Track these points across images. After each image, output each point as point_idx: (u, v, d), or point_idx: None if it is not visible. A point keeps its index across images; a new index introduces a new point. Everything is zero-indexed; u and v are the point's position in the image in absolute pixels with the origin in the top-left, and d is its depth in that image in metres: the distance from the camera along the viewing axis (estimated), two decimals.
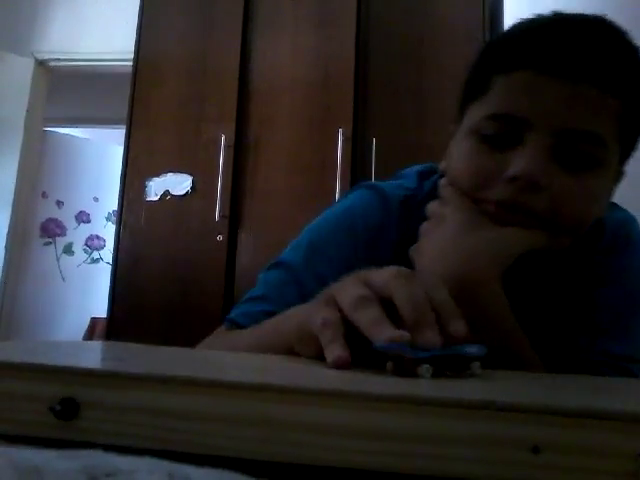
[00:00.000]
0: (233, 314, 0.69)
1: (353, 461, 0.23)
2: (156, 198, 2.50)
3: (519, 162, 0.54)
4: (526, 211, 0.56)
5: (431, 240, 0.59)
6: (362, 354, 0.36)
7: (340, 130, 2.35)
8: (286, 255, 0.71)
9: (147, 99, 2.59)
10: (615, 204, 0.72)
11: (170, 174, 2.51)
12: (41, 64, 3.80)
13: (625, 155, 0.60)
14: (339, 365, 0.35)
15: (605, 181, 0.59)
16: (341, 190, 2.30)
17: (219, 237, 2.41)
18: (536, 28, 0.57)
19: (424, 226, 0.62)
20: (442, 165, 0.66)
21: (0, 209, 3.68)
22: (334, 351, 0.36)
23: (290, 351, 0.45)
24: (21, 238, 3.98)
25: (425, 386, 0.30)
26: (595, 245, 0.66)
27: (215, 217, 2.40)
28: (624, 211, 0.72)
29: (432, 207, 0.63)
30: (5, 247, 3.68)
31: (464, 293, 0.52)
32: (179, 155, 2.52)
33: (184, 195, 2.48)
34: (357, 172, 2.34)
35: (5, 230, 3.68)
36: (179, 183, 2.49)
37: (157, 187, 2.51)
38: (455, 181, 0.61)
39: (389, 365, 0.34)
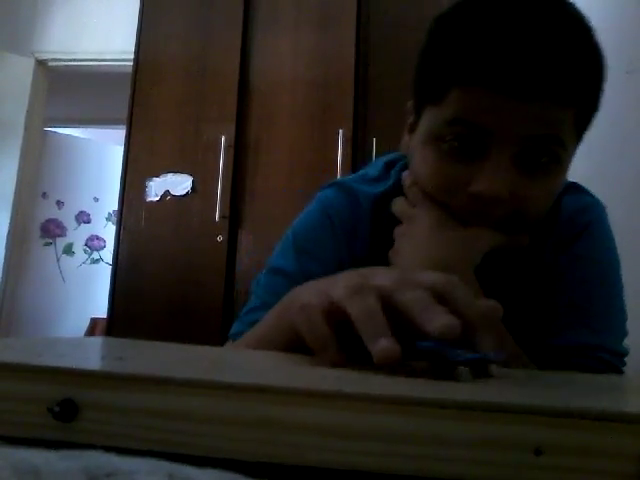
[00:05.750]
0: (237, 328, 0.68)
1: (353, 463, 0.23)
2: (156, 198, 2.50)
3: (482, 180, 0.56)
4: (490, 218, 0.59)
5: (405, 242, 0.62)
6: (355, 351, 0.35)
7: (340, 130, 2.35)
8: (277, 262, 0.72)
9: (147, 99, 2.59)
10: (583, 189, 0.73)
11: (170, 174, 2.51)
12: (41, 64, 3.81)
13: (579, 139, 0.61)
14: (388, 359, 0.31)
15: (563, 175, 0.61)
16: None
17: (219, 237, 2.41)
18: (490, 38, 0.55)
19: (397, 229, 0.64)
20: (401, 148, 0.68)
21: (0, 209, 3.68)
22: (382, 342, 0.32)
23: (293, 341, 0.41)
24: (21, 239, 3.98)
25: (426, 387, 0.30)
26: (550, 231, 0.68)
27: (215, 217, 2.40)
28: (590, 196, 0.73)
29: (400, 207, 0.65)
30: (5, 248, 3.68)
31: None
32: (179, 155, 2.52)
33: (184, 195, 2.48)
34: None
35: (5, 231, 3.68)
36: (179, 183, 2.49)
37: (157, 187, 2.51)
38: (419, 183, 0.63)
39: (422, 364, 0.34)
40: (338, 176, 2.30)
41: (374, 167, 0.77)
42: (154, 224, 2.49)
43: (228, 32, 2.57)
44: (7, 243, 3.69)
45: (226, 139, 2.44)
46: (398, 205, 0.65)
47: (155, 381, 0.24)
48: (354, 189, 0.73)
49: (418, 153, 0.62)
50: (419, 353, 0.33)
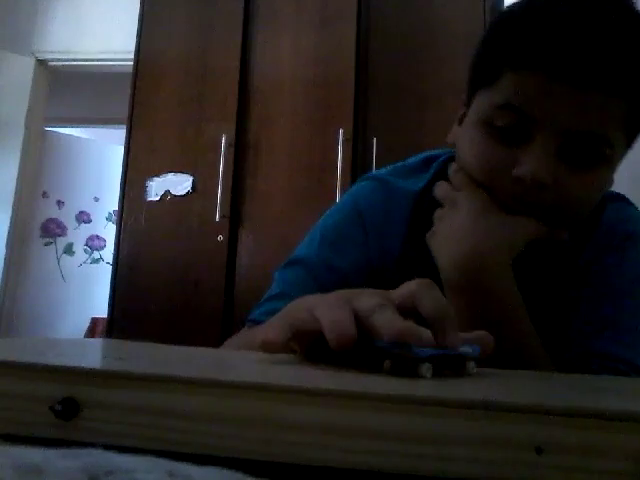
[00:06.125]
0: (254, 314, 0.69)
1: (354, 461, 0.23)
2: (156, 198, 2.50)
3: (526, 163, 0.56)
4: (532, 205, 0.58)
5: (446, 224, 0.61)
6: (360, 355, 0.36)
7: (340, 130, 2.35)
8: (300, 251, 0.72)
9: (147, 99, 2.59)
10: (625, 199, 0.72)
11: (170, 174, 2.51)
12: (42, 64, 3.80)
13: (630, 143, 0.61)
14: (341, 343, 0.33)
15: (609, 174, 0.60)
16: (342, 190, 2.30)
17: (219, 237, 2.41)
18: (548, 24, 0.56)
19: (438, 212, 0.63)
20: (449, 138, 0.68)
21: (0, 209, 3.68)
22: (337, 327, 0.34)
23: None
24: (21, 238, 3.98)
25: (427, 386, 0.30)
26: (589, 236, 0.68)
27: (215, 217, 2.40)
28: (635, 208, 0.72)
29: (443, 190, 0.64)
30: (5, 247, 3.68)
31: (476, 273, 0.56)
32: (179, 155, 2.52)
33: (184, 195, 2.48)
34: (357, 172, 2.34)
35: (6, 230, 3.68)
36: (179, 183, 2.49)
37: (157, 187, 2.51)
38: (465, 168, 0.62)
39: (387, 363, 0.34)
40: (338, 176, 2.30)
41: (413, 160, 0.77)
42: (154, 224, 2.49)
43: (228, 32, 2.56)
44: (7, 242, 3.69)
45: (226, 139, 2.44)
46: (441, 188, 0.64)
47: (156, 380, 0.24)
48: (391, 184, 0.72)
49: (466, 136, 0.62)
50: (380, 353, 0.34)
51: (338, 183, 2.30)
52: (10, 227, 3.71)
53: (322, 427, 0.24)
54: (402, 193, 0.71)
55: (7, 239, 3.69)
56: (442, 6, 2.47)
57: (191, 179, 2.48)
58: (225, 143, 2.44)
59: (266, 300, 0.70)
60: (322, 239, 0.71)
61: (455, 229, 0.60)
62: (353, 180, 2.32)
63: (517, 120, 0.57)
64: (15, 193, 3.70)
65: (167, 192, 2.49)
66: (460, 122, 0.66)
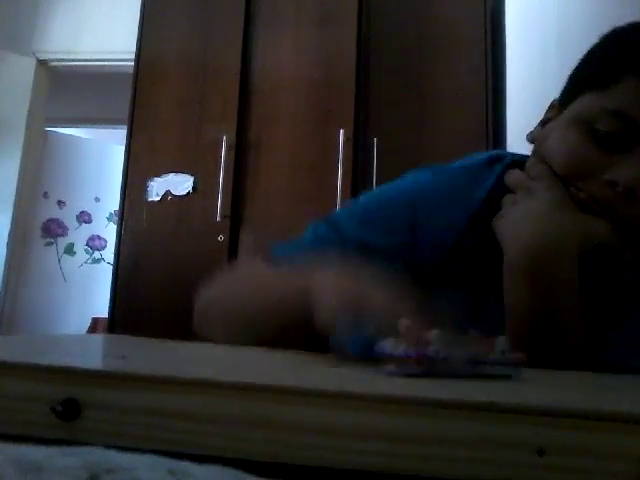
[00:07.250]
0: (280, 252, 0.69)
1: (354, 462, 0.23)
2: (157, 198, 2.50)
3: (623, 169, 0.56)
4: (613, 214, 0.58)
5: (518, 210, 0.61)
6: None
7: (341, 130, 2.34)
8: (340, 217, 0.71)
9: (148, 99, 2.59)
10: None
11: (171, 174, 2.51)
12: (42, 64, 3.80)
13: None
14: None
15: None
16: (342, 190, 2.30)
17: (220, 237, 2.41)
18: None
19: (509, 197, 0.63)
20: (529, 136, 0.67)
21: (1, 209, 3.68)
22: None
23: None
24: (22, 238, 3.97)
25: (430, 387, 0.29)
26: None
27: (216, 217, 2.40)
28: None
29: (517, 177, 0.63)
30: (6, 247, 3.68)
31: (544, 259, 0.57)
32: (180, 155, 2.52)
33: (185, 195, 2.48)
34: (358, 172, 2.34)
35: (6, 230, 3.68)
36: (180, 183, 2.49)
37: (158, 187, 2.51)
38: (550, 161, 0.62)
39: (391, 364, 0.34)
40: (339, 176, 2.30)
41: (475, 159, 0.74)
42: (155, 224, 2.49)
43: (229, 32, 2.56)
44: (8, 243, 3.69)
45: (227, 139, 2.44)
46: (514, 175, 0.64)
47: (157, 380, 0.24)
48: (455, 182, 0.70)
49: (557, 133, 0.62)
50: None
51: (339, 183, 2.30)
52: (11, 227, 3.70)
53: (323, 428, 0.24)
54: (464, 190, 0.69)
55: (8, 239, 3.68)
56: (443, 7, 2.47)
57: (192, 179, 2.48)
58: (226, 143, 2.43)
59: (296, 245, 0.70)
60: (365, 214, 0.70)
61: (528, 214, 0.59)
62: (354, 180, 2.32)
63: (622, 128, 0.56)
64: (16, 193, 3.70)
65: (168, 192, 2.49)
66: (543, 125, 0.66)
